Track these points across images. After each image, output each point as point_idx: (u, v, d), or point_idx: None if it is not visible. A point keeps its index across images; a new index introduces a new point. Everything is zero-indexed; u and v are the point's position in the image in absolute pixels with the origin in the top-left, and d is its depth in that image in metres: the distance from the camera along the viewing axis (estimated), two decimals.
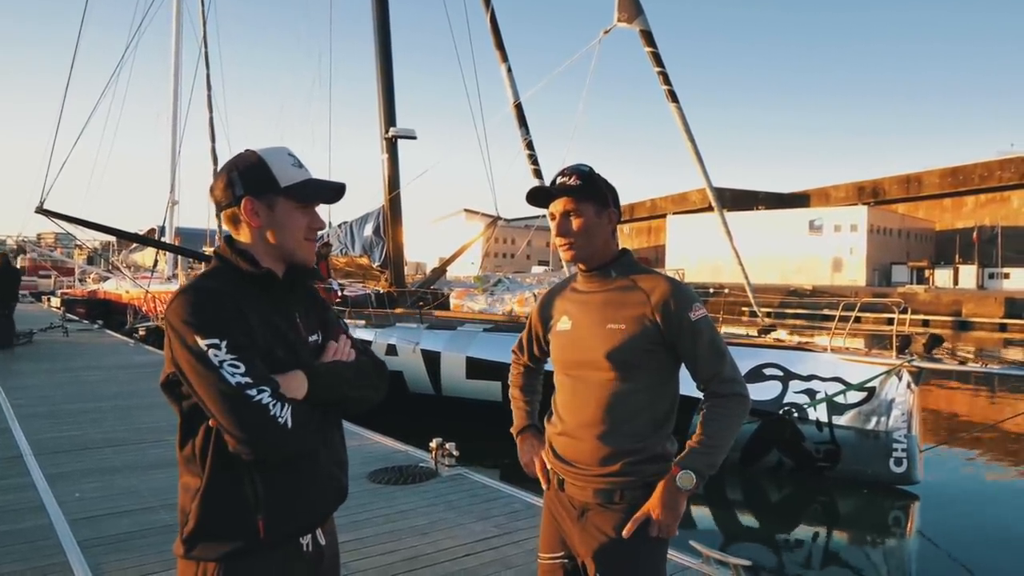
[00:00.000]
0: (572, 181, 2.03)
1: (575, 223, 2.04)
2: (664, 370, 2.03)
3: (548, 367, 2.33)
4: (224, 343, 1.51)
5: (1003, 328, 37.52)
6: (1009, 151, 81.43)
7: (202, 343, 1.50)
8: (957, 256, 68.49)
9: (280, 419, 1.51)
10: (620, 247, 2.15)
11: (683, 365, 2.07)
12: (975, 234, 66.59)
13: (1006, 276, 60.74)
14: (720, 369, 2.00)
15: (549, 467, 2.17)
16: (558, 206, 2.06)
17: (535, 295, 12.99)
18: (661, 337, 1.98)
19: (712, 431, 1.96)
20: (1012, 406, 14.61)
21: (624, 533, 1.95)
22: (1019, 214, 79.28)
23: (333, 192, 1.77)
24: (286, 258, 1.72)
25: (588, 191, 2.04)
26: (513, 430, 2.40)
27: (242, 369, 1.50)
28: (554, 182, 2.08)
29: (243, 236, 1.71)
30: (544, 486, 2.21)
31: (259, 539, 1.59)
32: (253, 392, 1.49)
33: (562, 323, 2.13)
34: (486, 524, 4.79)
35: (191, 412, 1.59)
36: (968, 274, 62.62)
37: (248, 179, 1.66)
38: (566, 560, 2.10)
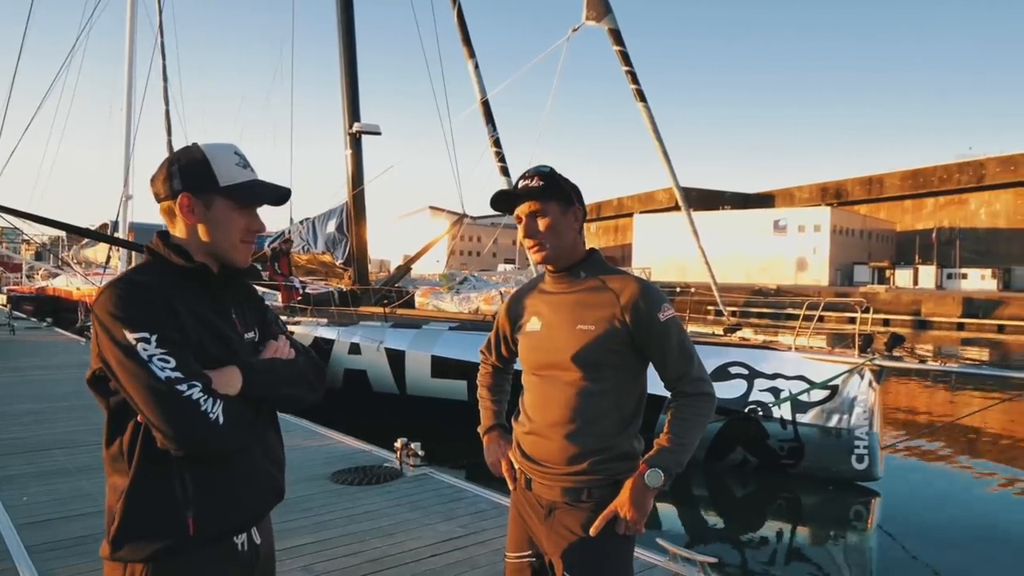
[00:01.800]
0: (534, 183, 2.04)
1: (541, 223, 2.04)
2: (632, 369, 2.04)
3: (517, 367, 2.32)
4: (154, 337, 1.47)
5: (960, 327, 38.36)
6: (967, 154, 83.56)
7: (131, 337, 1.46)
8: (917, 257, 69.85)
9: (211, 415, 1.47)
10: (588, 247, 2.15)
11: (648, 365, 2.07)
12: (934, 235, 67.97)
13: (963, 276, 62.05)
14: (688, 369, 2.01)
15: (516, 466, 2.16)
16: (523, 209, 2.06)
17: (502, 293, 12.93)
18: (630, 337, 1.99)
19: (680, 430, 1.97)
20: (968, 404, 14.91)
21: (592, 531, 1.93)
22: (976, 216, 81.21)
23: (275, 197, 1.73)
24: (219, 258, 1.69)
25: (551, 191, 2.05)
26: (480, 429, 2.38)
27: (172, 364, 1.46)
28: (516, 185, 2.08)
29: (178, 231, 1.68)
30: (510, 486, 2.19)
31: (189, 537, 1.55)
32: (183, 387, 1.45)
33: (531, 324, 2.13)
34: (452, 524, 4.75)
35: (119, 409, 1.54)
36: (927, 274, 63.88)
37: (187, 174, 1.63)
38: (533, 559, 2.10)
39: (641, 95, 11.14)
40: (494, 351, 2.38)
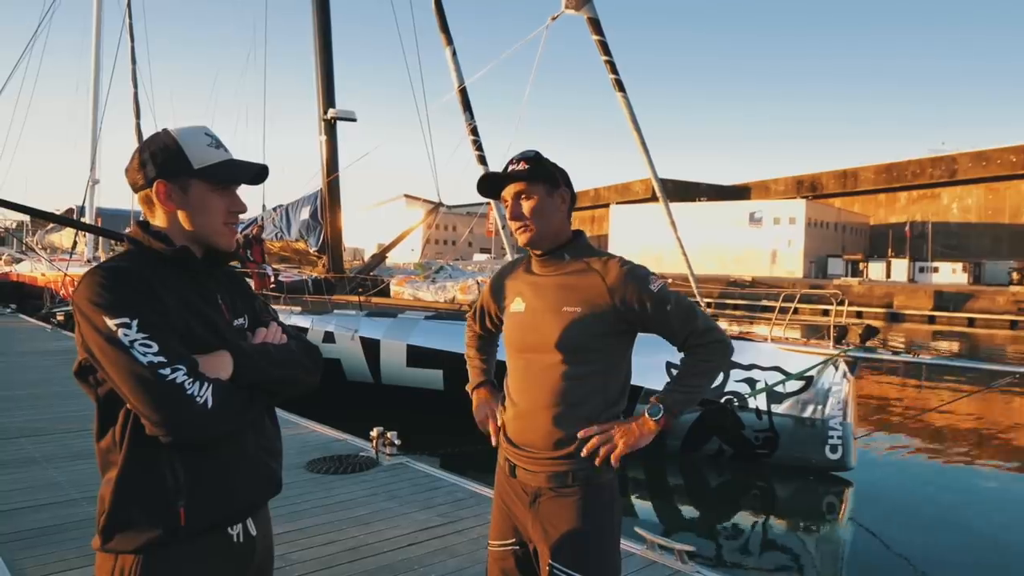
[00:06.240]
0: (519, 166, 2.05)
1: (527, 205, 2.05)
2: (617, 352, 2.05)
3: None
4: (135, 322, 1.43)
5: (932, 320, 38.86)
6: (940, 149, 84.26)
7: (111, 323, 1.42)
8: (890, 250, 70.52)
9: (199, 398, 1.43)
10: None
11: (632, 348, 2.09)
12: (907, 229, 68.65)
13: (935, 270, 62.61)
14: (694, 325, 2.02)
15: (500, 421, 2.17)
16: (509, 191, 2.08)
17: (478, 283, 12.86)
18: (619, 319, 1.99)
19: (686, 375, 2.03)
20: (939, 395, 15.11)
21: (581, 436, 1.95)
22: (948, 210, 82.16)
23: (252, 174, 1.68)
24: (203, 243, 1.65)
25: (536, 173, 2.05)
26: (469, 387, 2.41)
27: (155, 348, 1.42)
28: (505, 170, 2.09)
29: (159, 220, 1.64)
30: (493, 441, 2.21)
31: (180, 527, 1.50)
32: (167, 371, 1.42)
33: (515, 304, 2.13)
34: (429, 513, 4.72)
35: (108, 399, 1.50)
36: (900, 268, 64.35)
37: (160, 160, 1.59)
38: (517, 547, 2.10)
39: (620, 85, 11.09)
40: (478, 321, 2.42)
